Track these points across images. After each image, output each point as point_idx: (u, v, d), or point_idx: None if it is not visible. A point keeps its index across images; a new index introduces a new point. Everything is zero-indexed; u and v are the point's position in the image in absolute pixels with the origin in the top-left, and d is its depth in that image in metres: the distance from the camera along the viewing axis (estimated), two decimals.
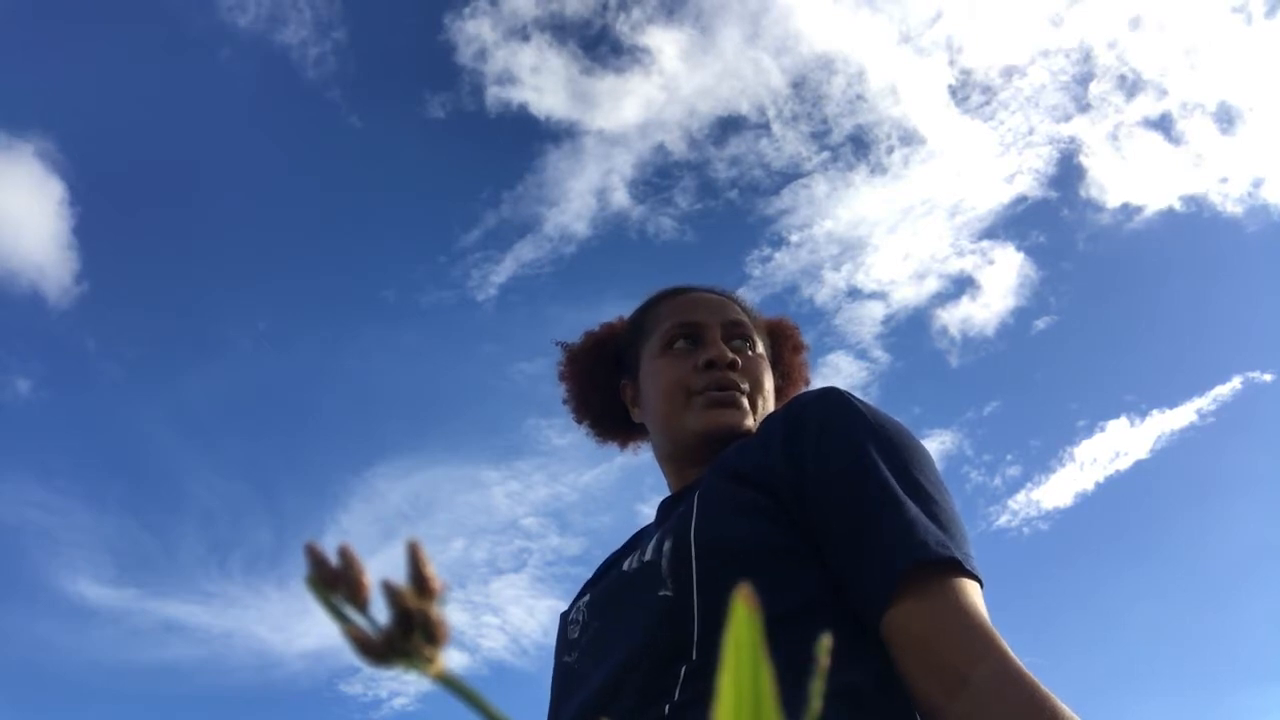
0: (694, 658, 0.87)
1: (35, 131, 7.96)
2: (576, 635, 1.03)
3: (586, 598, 1.07)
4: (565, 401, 1.36)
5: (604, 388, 1.30)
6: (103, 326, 8.62)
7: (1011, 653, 0.80)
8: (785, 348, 1.32)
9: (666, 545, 0.95)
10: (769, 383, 1.19)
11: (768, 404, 1.18)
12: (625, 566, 1.01)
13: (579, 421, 1.36)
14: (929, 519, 0.88)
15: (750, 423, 1.13)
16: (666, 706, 0.85)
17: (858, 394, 1.02)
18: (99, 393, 8.91)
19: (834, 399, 1.00)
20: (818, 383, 1.36)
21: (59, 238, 8.05)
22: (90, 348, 8.69)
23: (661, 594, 0.91)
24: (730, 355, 1.14)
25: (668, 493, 1.19)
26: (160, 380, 9.12)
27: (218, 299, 9.23)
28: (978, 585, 0.86)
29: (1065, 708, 0.75)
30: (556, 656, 1.07)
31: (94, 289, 8.32)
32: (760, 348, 1.21)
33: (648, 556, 0.97)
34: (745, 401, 1.14)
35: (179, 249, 9.05)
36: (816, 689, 0.26)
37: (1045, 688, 0.76)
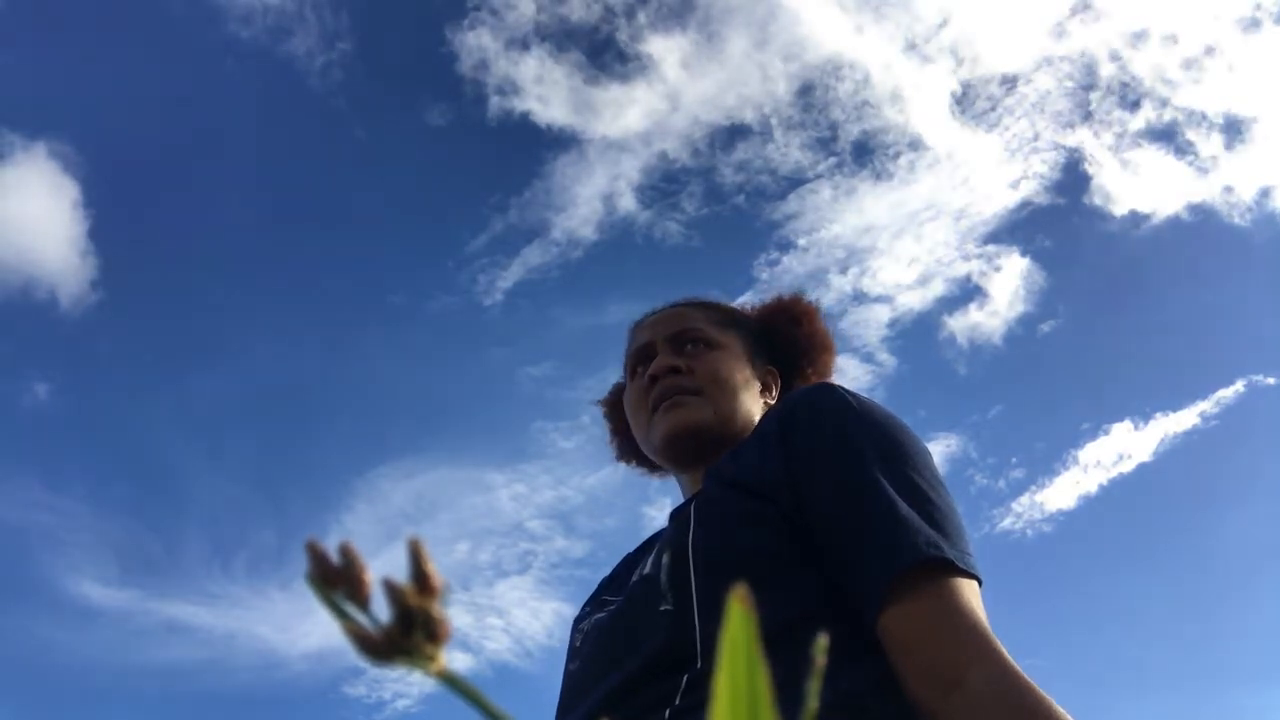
0: (698, 666, 0.86)
1: (48, 132, 8.00)
2: (580, 644, 1.03)
3: (591, 608, 1.08)
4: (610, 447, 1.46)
5: (624, 428, 1.36)
6: (114, 329, 8.65)
7: (1006, 654, 0.79)
8: (783, 325, 1.32)
9: (665, 558, 0.95)
10: (733, 372, 1.19)
11: (737, 392, 1.18)
12: (631, 579, 1.02)
13: (621, 461, 1.43)
14: (922, 518, 0.87)
15: (710, 412, 1.15)
16: (667, 712, 0.84)
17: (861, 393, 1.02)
18: (106, 394, 8.94)
19: (826, 396, 0.99)
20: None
21: (75, 241, 8.10)
22: (101, 350, 8.73)
23: (662, 608, 0.91)
24: (669, 363, 1.18)
25: (678, 497, 1.20)
26: (166, 382, 9.13)
27: (225, 303, 9.25)
28: (975, 583, 0.85)
29: (1060, 710, 0.74)
30: (565, 663, 1.08)
31: (108, 292, 8.35)
32: (724, 342, 1.22)
33: (647, 570, 0.98)
34: (696, 397, 1.16)
35: (188, 253, 9.07)
36: (814, 689, 0.26)
37: (1040, 689, 0.76)
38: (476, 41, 8.45)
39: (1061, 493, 8.89)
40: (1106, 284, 9.52)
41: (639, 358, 1.25)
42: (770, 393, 1.26)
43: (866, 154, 8.93)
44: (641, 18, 8.65)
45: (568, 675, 1.04)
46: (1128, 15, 8.70)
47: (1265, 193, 8.44)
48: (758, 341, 1.28)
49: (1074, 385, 9.98)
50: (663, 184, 8.84)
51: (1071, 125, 8.76)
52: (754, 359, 1.25)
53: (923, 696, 0.80)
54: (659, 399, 1.17)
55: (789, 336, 1.31)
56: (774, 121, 8.81)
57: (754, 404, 1.20)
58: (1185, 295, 9.48)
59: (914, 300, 8.94)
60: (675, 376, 1.17)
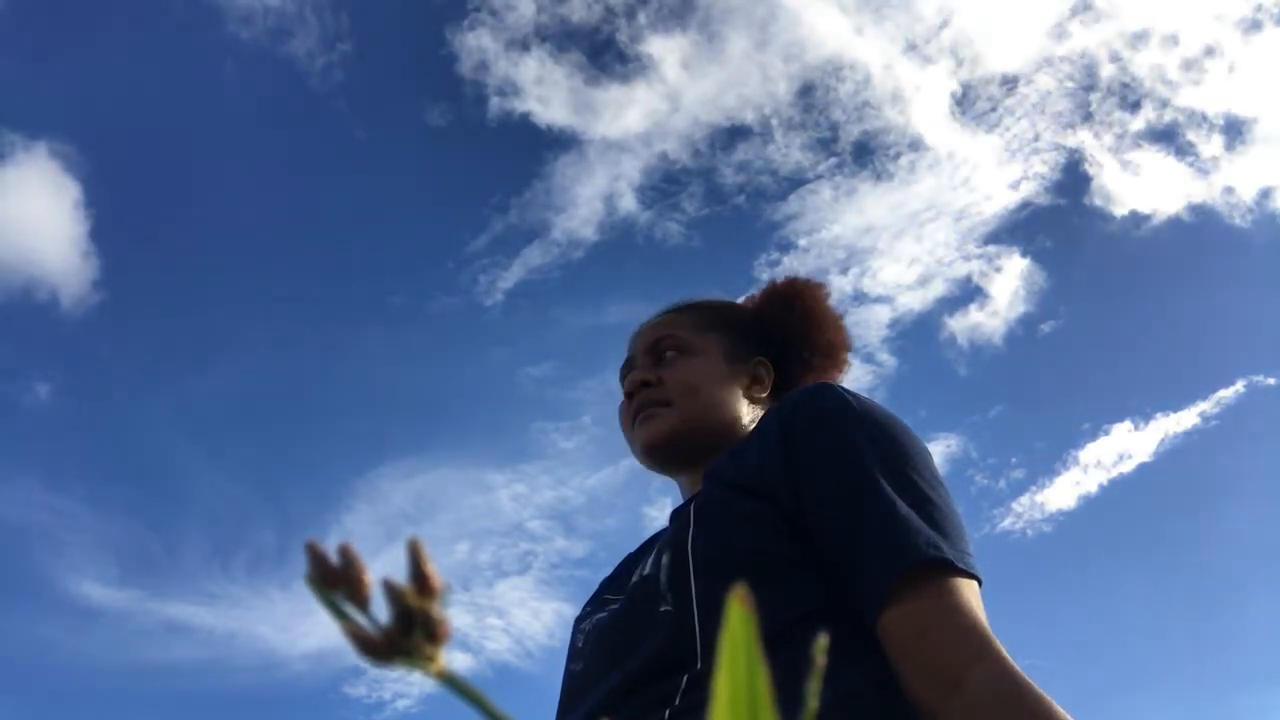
0: (698, 666, 0.86)
1: (49, 132, 8.01)
2: (581, 644, 1.04)
3: (592, 608, 1.08)
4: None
5: None
6: (115, 329, 8.66)
7: (1006, 654, 0.79)
8: (777, 311, 1.29)
9: (665, 559, 0.95)
10: (703, 377, 1.19)
11: (710, 395, 1.18)
12: (631, 579, 1.02)
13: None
14: (922, 518, 0.87)
15: (676, 421, 1.16)
16: (667, 712, 0.85)
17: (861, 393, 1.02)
18: (106, 394, 8.95)
19: (826, 396, 0.99)
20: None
21: (77, 242, 8.11)
22: (102, 350, 8.74)
23: (662, 609, 0.91)
24: (640, 377, 1.20)
25: (679, 497, 1.21)
26: (166, 382, 9.14)
27: (225, 303, 9.26)
28: (975, 584, 0.85)
29: (1060, 710, 0.74)
30: (566, 663, 1.08)
31: (109, 292, 8.37)
32: (701, 345, 1.22)
33: (647, 571, 0.98)
34: (666, 409, 1.17)
35: (188, 254, 9.09)
36: (814, 689, 0.26)
37: (1040, 689, 0.76)
38: (476, 42, 8.47)
39: (1061, 493, 8.90)
40: (1107, 284, 9.54)
41: (624, 373, 1.27)
42: (762, 385, 1.24)
43: (867, 154, 8.95)
44: (641, 18, 8.66)
45: (568, 675, 1.04)
46: (1128, 16, 8.71)
47: (1265, 193, 8.46)
48: (745, 335, 1.26)
49: (1074, 385, 9.99)
50: (663, 184, 8.86)
51: (1072, 126, 8.78)
52: (736, 356, 1.23)
53: (923, 696, 0.80)
54: (634, 413, 1.19)
55: (784, 322, 1.28)
56: (774, 122, 8.83)
57: (737, 401, 1.19)
58: (1185, 295, 9.50)
59: (914, 300, 8.96)
60: (647, 390, 1.19)
